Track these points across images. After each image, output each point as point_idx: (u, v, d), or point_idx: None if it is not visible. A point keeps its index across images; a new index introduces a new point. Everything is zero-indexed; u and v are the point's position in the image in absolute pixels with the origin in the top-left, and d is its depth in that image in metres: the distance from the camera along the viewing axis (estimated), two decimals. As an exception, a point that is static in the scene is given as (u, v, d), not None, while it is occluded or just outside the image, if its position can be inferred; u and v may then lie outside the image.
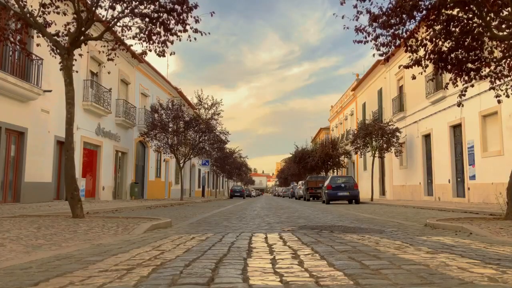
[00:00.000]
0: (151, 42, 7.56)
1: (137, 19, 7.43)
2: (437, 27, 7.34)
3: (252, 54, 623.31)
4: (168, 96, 30.44)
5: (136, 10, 7.29)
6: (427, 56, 7.64)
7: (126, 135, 23.65)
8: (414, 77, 8.15)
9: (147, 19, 7.32)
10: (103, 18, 7.67)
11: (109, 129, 21.07)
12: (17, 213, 7.91)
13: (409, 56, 7.74)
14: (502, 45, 7.41)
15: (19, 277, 2.06)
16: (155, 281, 1.95)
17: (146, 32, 7.45)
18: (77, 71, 7.54)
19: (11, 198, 13.70)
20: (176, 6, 7.17)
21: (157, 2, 7.18)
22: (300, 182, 35.51)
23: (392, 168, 26.10)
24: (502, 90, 8.21)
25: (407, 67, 7.73)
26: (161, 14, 7.27)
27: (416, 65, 7.61)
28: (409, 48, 7.54)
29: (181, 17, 7.28)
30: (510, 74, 7.66)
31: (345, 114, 41.15)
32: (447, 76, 10.59)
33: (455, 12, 7.30)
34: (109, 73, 15.98)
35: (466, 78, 7.83)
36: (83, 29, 7.26)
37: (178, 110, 23.52)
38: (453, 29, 7.28)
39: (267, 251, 3.08)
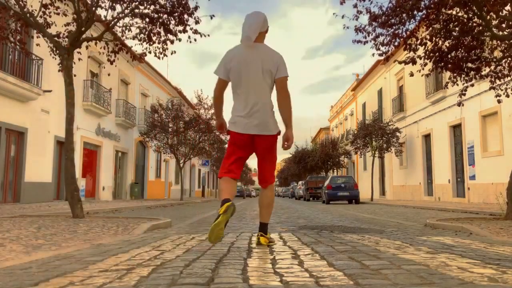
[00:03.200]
0: (151, 42, 7.57)
1: (137, 19, 7.44)
2: (437, 26, 7.34)
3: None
4: (168, 96, 30.44)
5: (136, 11, 7.29)
6: (427, 55, 7.65)
7: (126, 135, 23.65)
8: (411, 74, 8.16)
9: (147, 19, 7.32)
10: (103, 18, 7.68)
11: (109, 129, 21.08)
12: (17, 213, 7.91)
13: (406, 54, 7.76)
14: (502, 44, 7.41)
15: (19, 277, 2.06)
16: (155, 281, 1.95)
17: (146, 32, 7.45)
18: (75, 75, 7.54)
19: (11, 198, 13.70)
20: (176, 9, 7.19)
21: (157, 2, 7.18)
22: (300, 182, 35.50)
23: (392, 168, 26.09)
24: (502, 90, 8.21)
25: (401, 62, 7.74)
26: (161, 15, 7.28)
27: (412, 64, 7.61)
28: (408, 47, 7.54)
29: (182, 17, 7.30)
30: (510, 73, 7.66)
31: (345, 114, 41.15)
32: (447, 76, 10.59)
33: (455, 12, 7.30)
34: (109, 75, 16.00)
35: (466, 77, 7.83)
36: (83, 29, 7.25)
37: (178, 110, 23.51)
38: (453, 28, 7.28)
39: (267, 251, 3.08)
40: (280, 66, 3.31)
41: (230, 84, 3.39)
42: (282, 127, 3.43)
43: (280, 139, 3.42)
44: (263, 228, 3.48)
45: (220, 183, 3.32)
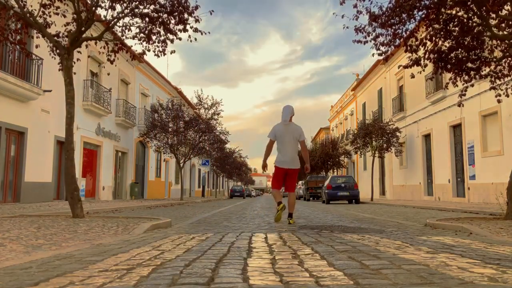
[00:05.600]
0: (150, 42, 7.56)
1: (137, 19, 7.44)
2: (437, 26, 7.34)
3: (254, 53, 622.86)
4: (168, 96, 30.44)
5: (136, 10, 7.28)
6: (427, 56, 7.64)
7: (126, 135, 23.65)
8: (413, 76, 8.14)
9: (147, 19, 7.32)
10: (103, 18, 7.68)
11: (109, 129, 21.07)
12: (17, 213, 7.91)
13: (409, 56, 7.74)
14: (502, 44, 7.40)
15: (19, 277, 2.06)
16: (155, 281, 1.95)
17: (146, 32, 7.45)
18: (75, 73, 7.54)
19: (11, 198, 13.70)
20: (176, 8, 7.18)
21: (157, 2, 7.18)
22: (300, 182, 35.49)
23: (392, 168, 26.10)
24: (502, 90, 8.20)
25: (406, 67, 7.73)
26: (161, 14, 7.27)
27: (415, 65, 7.60)
28: (408, 48, 7.53)
29: (181, 16, 7.29)
30: (510, 73, 7.66)
31: (345, 114, 41.15)
32: (447, 76, 10.59)
33: (454, 12, 7.29)
34: (108, 74, 16.00)
35: (466, 77, 7.82)
36: (83, 29, 7.25)
37: (178, 110, 23.50)
38: (453, 28, 7.28)
39: (267, 251, 3.08)
40: (301, 134, 6.57)
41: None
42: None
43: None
44: (291, 215, 6.28)
45: (274, 192, 6.79)
